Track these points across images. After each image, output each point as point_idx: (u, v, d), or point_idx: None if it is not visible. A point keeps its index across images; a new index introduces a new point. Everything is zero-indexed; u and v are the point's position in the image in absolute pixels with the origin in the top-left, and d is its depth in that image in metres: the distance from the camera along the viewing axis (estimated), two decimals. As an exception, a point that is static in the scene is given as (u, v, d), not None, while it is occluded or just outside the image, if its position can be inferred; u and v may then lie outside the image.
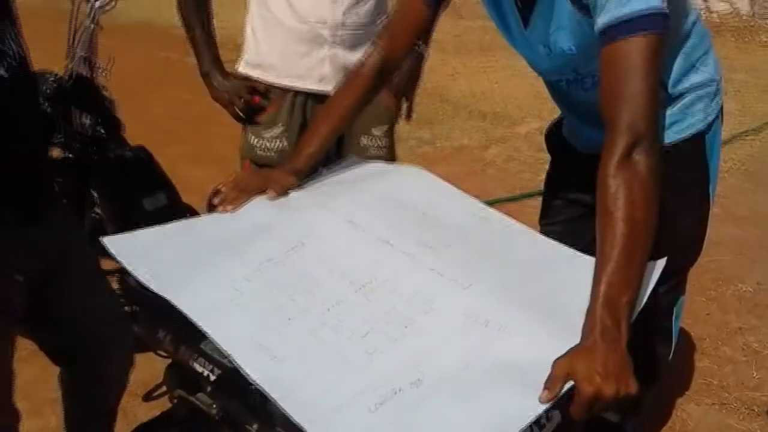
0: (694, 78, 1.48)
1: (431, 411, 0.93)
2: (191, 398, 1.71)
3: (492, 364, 0.99)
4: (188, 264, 1.19)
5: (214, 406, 1.66)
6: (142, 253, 1.20)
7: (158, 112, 4.87)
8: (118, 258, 1.18)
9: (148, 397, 1.93)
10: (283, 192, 1.38)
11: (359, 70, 1.51)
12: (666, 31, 1.16)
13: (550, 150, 1.83)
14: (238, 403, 1.61)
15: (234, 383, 1.60)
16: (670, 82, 1.45)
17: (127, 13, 5.86)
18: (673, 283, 1.58)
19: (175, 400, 1.83)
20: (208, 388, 1.67)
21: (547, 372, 0.95)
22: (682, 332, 2.02)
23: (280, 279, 1.16)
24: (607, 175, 1.10)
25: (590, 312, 1.01)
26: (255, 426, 1.57)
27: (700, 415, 2.28)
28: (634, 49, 1.13)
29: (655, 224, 1.10)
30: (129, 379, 1.80)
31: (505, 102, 5.59)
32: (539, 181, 4.06)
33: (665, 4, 1.15)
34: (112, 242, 1.21)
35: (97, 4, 1.74)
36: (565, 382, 0.93)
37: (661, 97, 1.39)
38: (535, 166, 4.26)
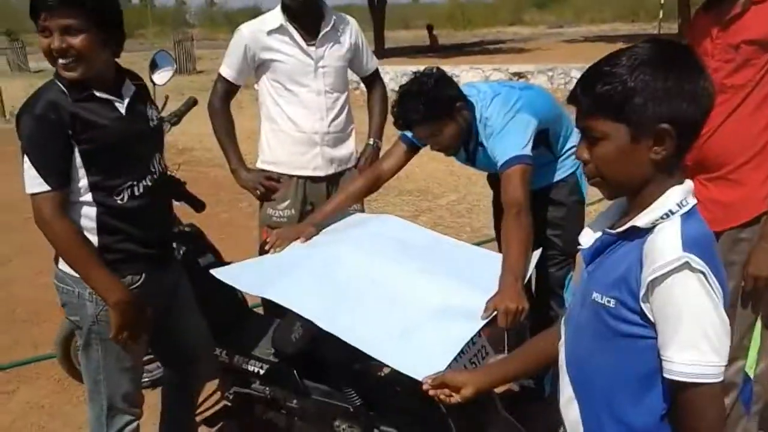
0: (569, 144, 2.62)
1: (427, 333, 1.80)
2: (247, 390, 2.48)
3: (455, 310, 1.87)
4: (267, 277, 2.04)
5: (266, 391, 2.44)
6: (236, 275, 2.06)
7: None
8: (225, 280, 2.03)
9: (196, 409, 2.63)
10: (309, 237, 2.28)
11: (356, 181, 2.54)
12: (530, 162, 2.24)
13: (492, 186, 2.89)
14: (281, 386, 2.37)
15: (278, 373, 2.37)
16: (557, 150, 2.61)
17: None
18: (563, 264, 2.67)
19: (231, 396, 2.57)
20: (258, 381, 2.44)
21: (479, 310, 1.87)
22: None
23: (323, 284, 2.00)
24: (507, 224, 2.14)
25: (502, 275, 1.98)
26: (295, 401, 2.35)
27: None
28: (513, 173, 2.21)
29: (530, 245, 2.11)
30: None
31: (427, 180, 6.61)
32: (461, 239, 4.95)
33: (528, 149, 2.25)
34: (218, 272, 2.06)
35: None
36: (493, 311, 1.84)
37: (550, 159, 2.60)
38: (456, 229, 5.22)
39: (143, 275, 2.02)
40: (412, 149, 2.51)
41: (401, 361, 1.74)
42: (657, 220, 1.15)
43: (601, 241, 1.25)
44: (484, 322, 1.83)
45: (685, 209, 1.15)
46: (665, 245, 1.12)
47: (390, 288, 1.99)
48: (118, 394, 2.07)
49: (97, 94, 1.88)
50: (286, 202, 2.84)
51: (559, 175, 2.64)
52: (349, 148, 2.94)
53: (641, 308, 1.14)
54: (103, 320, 1.96)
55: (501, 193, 2.24)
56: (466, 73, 12.66)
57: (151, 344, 2.25)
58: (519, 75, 12.21)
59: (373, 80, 3.07)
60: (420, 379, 1.61)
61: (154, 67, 2.60)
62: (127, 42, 2.02)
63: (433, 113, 2.27)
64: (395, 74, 13.14)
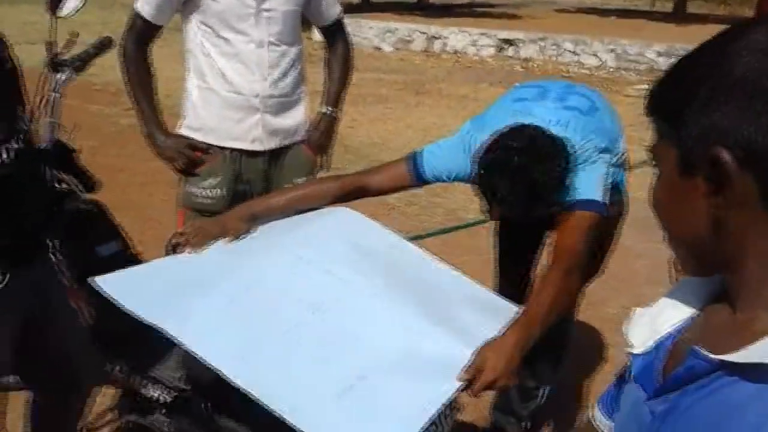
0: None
1: (378, 396, 1.27)
2: (144, 422, 1.95)
3: (418, 360, 1.35)
4: (169, 298, 1.45)
5: (167, 426, 1.91)
6: (129, 289, 1.45)
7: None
8: (109, 294, 1.43)
9: (88, 429, 2.13)
10: (238, 236, 1.68)
11: (329, 182, 1.92)
12: (604, 215, 1.80)
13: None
14: (188, 421, 1.86)
15: (186, 404, 1.86)
16: None
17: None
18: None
19: (124, 425, 2.05)
20: (162, 411, 1.91)
21: (456, 365, 1.35)
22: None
23: (249, 307, 1.45)
24: (551, 277, 1.68)
25: (517, 320, 1.49)
26: (205, 440, 1.83)
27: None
28: (583, 219, 1.77)
29: (563, 311, 1.73)
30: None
31: (401, 150, 5.98)
32: (435, 222, 4.46)
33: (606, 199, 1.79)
34: (103, 281, 1.46)
35: (62, 78, 1.97)
36: (478, 371, 1.34)
37: None
38: (430, 209, 4.70)
39: (6, 275, 1.49)
40: (417, 184, 1.96)
41: None
42: None
43: (688, 367, 0.63)
44: (460, 385, 1.33)
45: None
46: None
47: (335, 321, 1.46)
48: None
49: None
50: (214, 180, 2.26)
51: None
52: (298, 117, 2.37)
53: None
54: None
55: (558, 235, 1.80)
56: (454, 36, 12.06)
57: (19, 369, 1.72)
58: (509, 42, 11.58)
59: (334, 32, 2.48)
60: None
61: None
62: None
63: (535, 205, 1.71)
64: (379, 31, 12.62)
